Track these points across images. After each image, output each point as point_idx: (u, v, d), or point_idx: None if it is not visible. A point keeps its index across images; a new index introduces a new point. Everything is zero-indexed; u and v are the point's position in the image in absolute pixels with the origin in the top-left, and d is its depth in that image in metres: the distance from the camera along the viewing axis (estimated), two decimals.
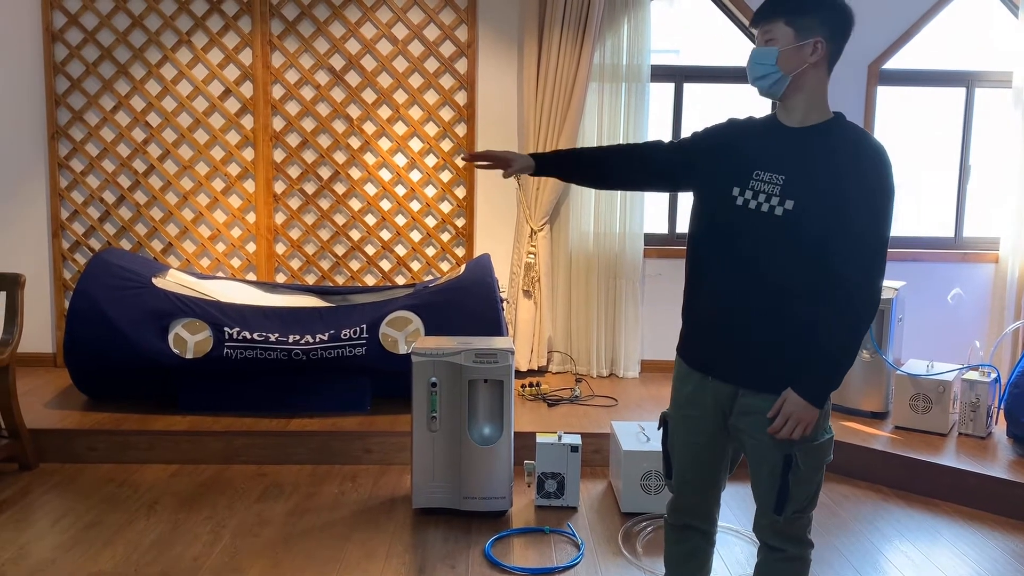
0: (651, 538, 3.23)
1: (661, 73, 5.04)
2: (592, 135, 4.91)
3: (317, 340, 4.05)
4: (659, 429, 2.28)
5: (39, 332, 5.01)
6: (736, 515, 3.46)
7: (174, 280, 4.37)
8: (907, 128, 5.53)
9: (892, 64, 5.05)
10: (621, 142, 4.90)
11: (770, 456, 2.05)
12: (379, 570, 2.94)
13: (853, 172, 1.93)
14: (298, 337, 4.06)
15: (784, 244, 1.97)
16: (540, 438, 3.48)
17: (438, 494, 3.35)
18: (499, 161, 2.23)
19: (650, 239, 5.10)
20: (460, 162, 2.29)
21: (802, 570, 2.17)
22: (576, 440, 3.47)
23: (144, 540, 3.12)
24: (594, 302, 4.96)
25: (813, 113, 2.04)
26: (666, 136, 5.09)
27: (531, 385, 4.58)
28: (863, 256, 1.94)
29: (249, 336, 4.04)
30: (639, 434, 3.56)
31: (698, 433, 2.16)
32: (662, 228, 5.25)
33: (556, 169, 2.30)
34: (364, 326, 4.11)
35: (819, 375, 1.98)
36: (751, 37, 5.03)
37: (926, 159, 5.62)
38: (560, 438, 3.47)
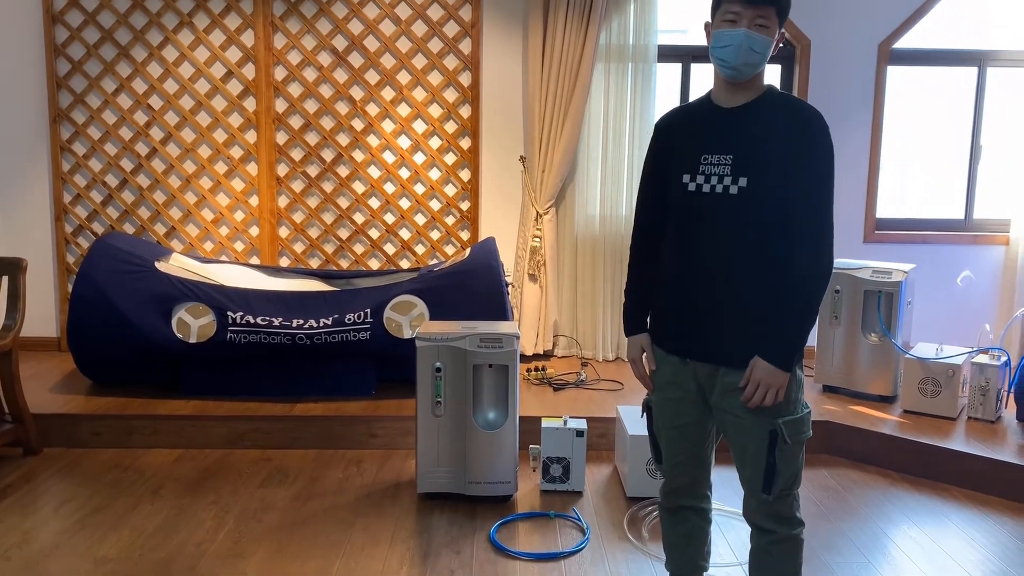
0: (656, 522, 3.21)
1: (668, 53, 4.98)
2: (598, 116, 4.85)
3: (321, 324, 4.03)
4: (642, 416, 2.34)
5: (43, 316, 5.00)
6: (739, 498, 3.43)
7: (177, 264, 4.35)
8: (917, 108, 5.47)
9: (902, 43, 4.98)
10: (627, 126, 4.84)
11: (755, 433, 2.09)
12: (383, 555, 2.93)
13: (796, 139, 2.00)
14: (302, 321, 4.03)
15: (743, 221, 2.04)
16: (545, 423, 3.46)
17: (443, 479, 3.33)
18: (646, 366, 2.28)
19: None
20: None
21: (795, 550, 2.19)
22: (582, 425, 3.44)
23: (149, 525, 3.11)
24: (600, 285, 4.92)
25: (753, 92, 2.08)
26: None
27: (536, 369, 4.55)
28: (816, 217, 2.01)
29: (252, 320, 4.01)
30: (645, 418, 3.52)
31: (682, 414, 2.20)
32: None
33: (645, 312, 2.28)
34: (368, 310, 4.08)
35: (783, 338, 2.04)
36: None
37: (936, 140, 5.56)
38: (565, 423, 3.44)
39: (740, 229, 2.04)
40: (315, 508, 3.29)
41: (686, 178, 2.09)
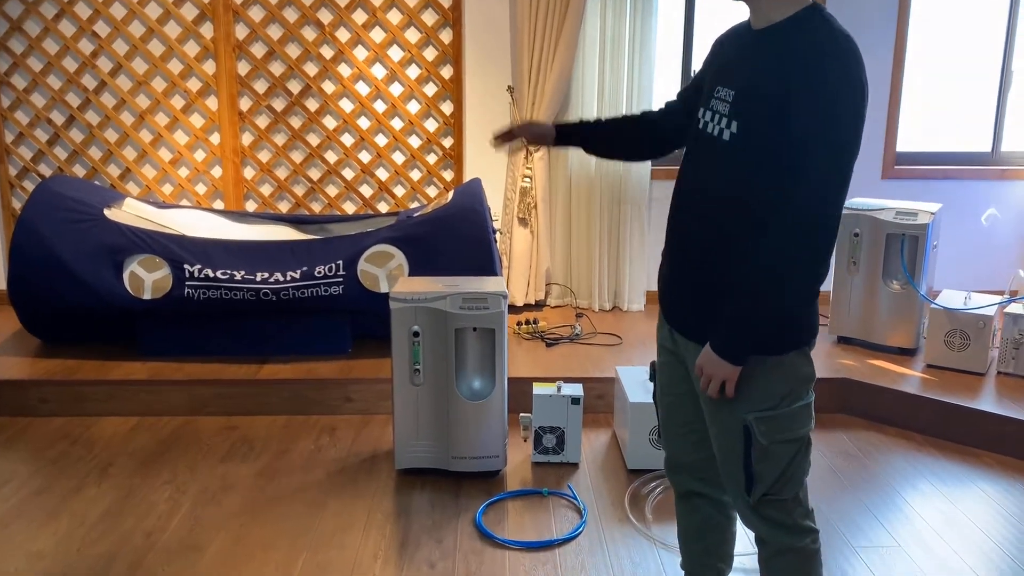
0: (661, 499, 2.89)
1: None
2: (594, 43, 4.38)
3: (288, 278, 3.65)
4: (651, 380, 2.06)
5: None
6: None
7: (130, 211, 3.94)
8: (945, 32, 5.01)
9: None
10: (625, 53, 4.39)
11: (726, 425, 1.75)
12: (356, 544, 2.61)
13: (797, 76, 1.57)
14: (267, 275, 3.65)
15: (728, 173, 1.68)
16: (537, 389, 3.11)
17: (423, 454, 3.00)
18: (524, 132, 2.08)
19: (657, 160, 4.63)
20: (493, 144, 2.10)
21: (801, 563, 1.81)
22: (577, 391, 3.10)
23: (92, 511, 2.77)
24: (596, 229, 4.53)
25: (784, 10, 1.65)
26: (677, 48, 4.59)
27: (528, 323, 4.20)
28: (802, 170, 1.58)
29: (212, 274, 3.63)
30: (647, 381, 3.18)
31: (677, 382, 1.92)
32: None
33: (576, 136, 2.08)
34: (340, 262, 3.70)
35: (729, 324, 1.67)
36: None
37: (965, 66, 5.12)
38: (559, 389, 3.10)
39: (723, 184, 1.69)
40: (282, 487, 2.96)
41: (700, 112, 1.78)
